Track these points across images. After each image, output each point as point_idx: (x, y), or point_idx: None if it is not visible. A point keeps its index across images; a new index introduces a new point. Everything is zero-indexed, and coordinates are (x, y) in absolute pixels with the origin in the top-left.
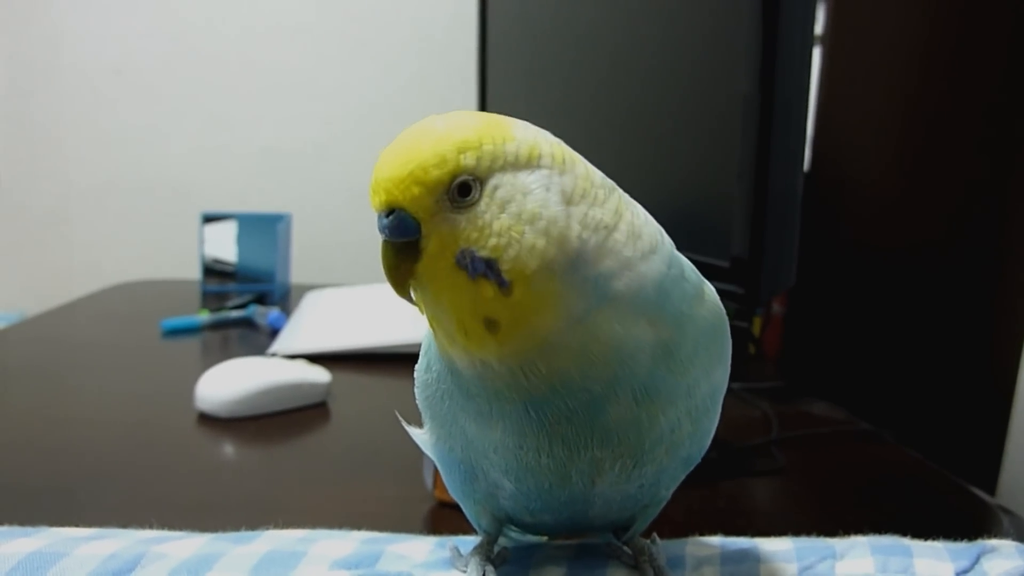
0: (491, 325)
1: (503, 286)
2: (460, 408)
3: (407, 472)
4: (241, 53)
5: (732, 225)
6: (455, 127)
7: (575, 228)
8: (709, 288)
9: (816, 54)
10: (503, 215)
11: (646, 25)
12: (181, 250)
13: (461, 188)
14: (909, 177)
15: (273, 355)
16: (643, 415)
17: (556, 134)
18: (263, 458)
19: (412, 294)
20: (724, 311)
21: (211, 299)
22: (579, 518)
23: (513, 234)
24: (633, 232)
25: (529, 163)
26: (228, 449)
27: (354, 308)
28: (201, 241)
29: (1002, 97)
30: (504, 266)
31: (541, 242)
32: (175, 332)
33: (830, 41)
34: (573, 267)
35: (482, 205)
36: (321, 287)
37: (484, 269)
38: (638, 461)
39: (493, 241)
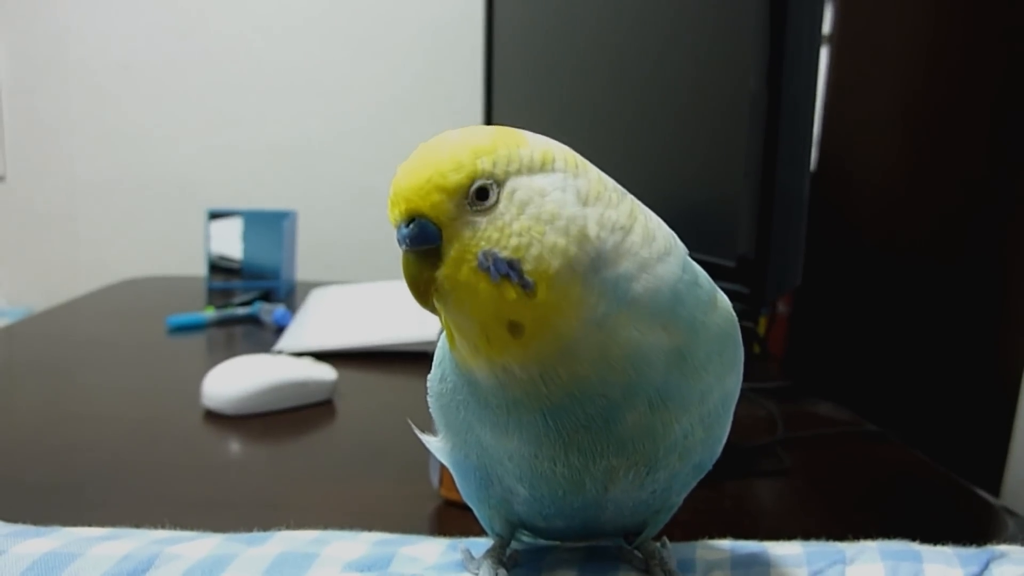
0: (515, 329)
1: (527, 287)
2: (475, 418)
3: (413, 470)
4: (247, 50)
5: (738, 225)
6: (470, 136)
7: (593, 228)
8: (722, 296)
9: (823, 54)
10: (523, 216)
11: (653, 24)
12: (187, 247)
13: (479, 192)
14: (916, 177)
15: (279, 352)
16: (658, 422)
17: (563, 133)
18: (269, 455)
19: (435, 305)
20: (736, 319)
21: (217, 296)
22: (591, 523)
23: (534, 234)
24: (648, 234)
25: (544, 167)
26: (234, 446)
27: (360, 306)
28: (207, 238)
29: (1009, 97)
30: (527, 266)
31: (562, 241)
32: (181, 329)
33: (837, 41)
34: (594, 268)
35: (501, 207)
36: (327, 284)
37: (507, 270)
38: (652, 468)
39: (515, 241)
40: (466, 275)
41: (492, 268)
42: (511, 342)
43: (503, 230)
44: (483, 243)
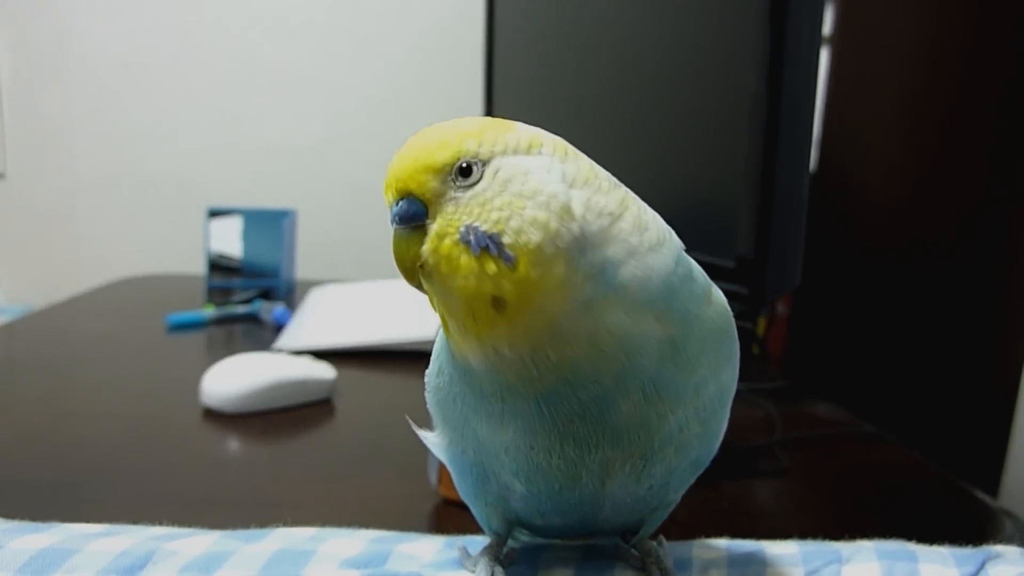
0: (498, 304)
1: (507, 261)
2: (472, 410)
3: (411, 469)
4: (248, 49)
5: (738, 225)
6: (459, 121)
7: (578, 208)
8: (717, 291)
9: (823, 53)
10: (505, 192)
11: (653, 24)
12: (187, 245)
13: (464, 170)
14: (916, 178)
15: (278, 351)
16: (652, 413)
17: (562, 132)
18: (268, 454)
19: (423, 284)
20: (731, 314)
21: (216, 294)
22: (588, 521)
23: (515, 208)
24: (639, 224)
25: (530, 150)
26: (233, 445)
27: (359, 304)
28: (207, 236)
29: (1010, 97)
30: (507, 239)
31: (542, 215)
32: (180, 327)
33: (838, 41)
34: (578, 247)
35: (484, 184)
36: (326, 283)
37: (486, 242)
38: (648, 461)
39: (495, 215)
40: (447, 248)
41: (472, 240)
42: (496, 318)
43: (485, 205)
44: (465, 217)
